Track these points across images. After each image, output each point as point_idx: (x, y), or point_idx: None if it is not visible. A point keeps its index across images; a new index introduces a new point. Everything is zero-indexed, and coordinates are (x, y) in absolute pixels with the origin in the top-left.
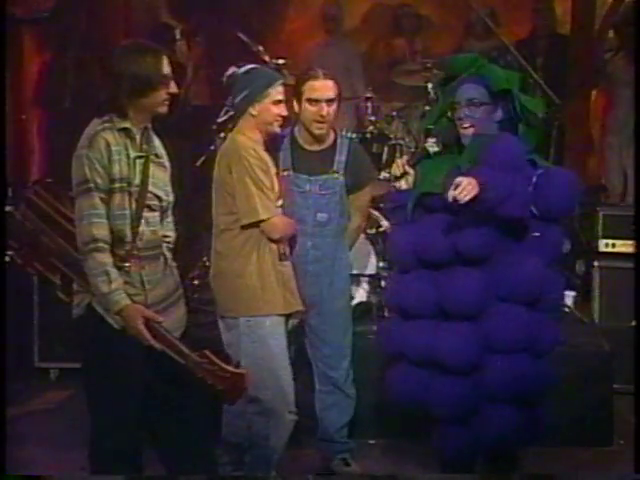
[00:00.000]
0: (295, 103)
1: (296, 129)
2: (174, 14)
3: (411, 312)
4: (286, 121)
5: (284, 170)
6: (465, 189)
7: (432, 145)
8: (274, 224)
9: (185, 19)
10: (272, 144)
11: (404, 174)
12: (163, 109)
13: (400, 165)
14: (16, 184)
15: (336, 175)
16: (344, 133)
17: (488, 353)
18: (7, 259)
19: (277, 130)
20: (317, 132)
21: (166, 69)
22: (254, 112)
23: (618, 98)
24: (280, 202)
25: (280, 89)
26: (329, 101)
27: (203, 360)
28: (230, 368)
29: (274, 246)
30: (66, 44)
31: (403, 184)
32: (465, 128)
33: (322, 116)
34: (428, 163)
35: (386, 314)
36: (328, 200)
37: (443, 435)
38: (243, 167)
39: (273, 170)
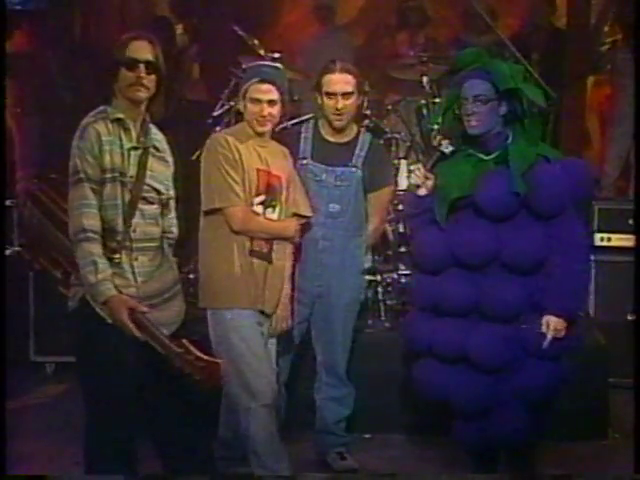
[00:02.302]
0: (317, 95)
1: (319, 121)
2: (174, 9)
3: (446, 310)
4: (279, 120)
5: (302, 159)
6: (558, 330)
7: (447, 146)
8: (231, 215)
9: (185, 14)
10: (291, 134)
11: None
12: (134, 95)
13: (421, 176)
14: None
15: (354, 169)
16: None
17: (523, 356)
18: (8, 253)
19: (258, 130)
20: (336, 124)
21: (137, 53)
22: (241, 108)
23: (621, 89)
24: (260, 198)
25: (259, 87)
26: (345, 94)
27: (181, 350)
28: (206, 357)
29: (244, 239)
30: (62, 39)
31: (423, 190)
32: (472, 124)
33: (338, 109)
34: (447, 166)
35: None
36: (342, 192)
37: (459, 430)
38: (210, 156)
39: (255, 164)
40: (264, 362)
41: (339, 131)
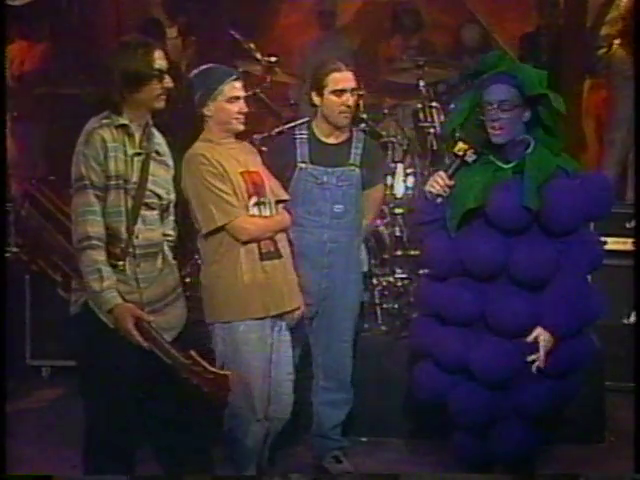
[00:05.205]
0: (314, 96)
1: (314, 122)
2: (168, 11)
3: (450, 318)
4: (247, 118)
5: (301, 162)
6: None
7: (470, 156)
8: (235, 228)
9: (179, 16)
10: (285, 138)
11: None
12: (159, 104)
13: (443, 185)
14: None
15: (353, 167)
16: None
17: (525, 372)
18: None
19: (239, 128)
20: (344, 122)
21: (159, 63)
22: (208, 112)
23: (619, 93)
24: (253, 200)
25: (236, 85)
26: (352, 91)
27: (188, 361)
28: (214, 369)
29: (251, 246)
30: (57, 40)
31: (439, 199)
32: (496, 130)
33: (348, 106)
34: (465, 174)
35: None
36: (344, 192)
37: (459, 442)
38: (195, 177)
39: (237, 169)
40: (266, 376)
41: (335, 132)
